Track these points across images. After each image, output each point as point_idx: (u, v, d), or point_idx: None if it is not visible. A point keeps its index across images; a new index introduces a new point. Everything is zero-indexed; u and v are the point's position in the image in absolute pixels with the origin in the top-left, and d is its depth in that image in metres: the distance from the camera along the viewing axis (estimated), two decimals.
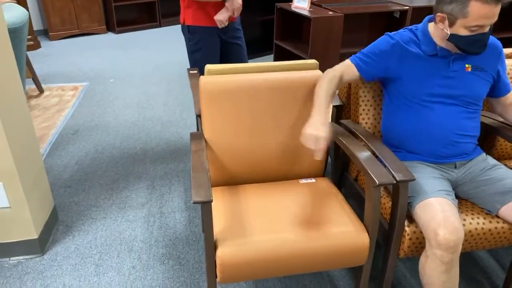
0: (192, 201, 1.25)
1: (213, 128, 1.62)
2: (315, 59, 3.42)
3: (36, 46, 4.99)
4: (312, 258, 1.35)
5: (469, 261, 1.87)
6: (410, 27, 1.54)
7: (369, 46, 1.57)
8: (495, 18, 1.32)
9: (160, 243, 1.97)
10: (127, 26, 5.81)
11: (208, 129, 1.62)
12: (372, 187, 1.32)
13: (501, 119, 1.70)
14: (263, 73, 1.69)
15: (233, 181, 1.68)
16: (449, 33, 1.39)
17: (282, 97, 1.66)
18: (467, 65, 1.48)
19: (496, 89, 1.59)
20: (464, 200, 1.54)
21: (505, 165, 1.80)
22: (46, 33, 5.46)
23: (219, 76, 1.64)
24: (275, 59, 3.99)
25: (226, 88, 1.61)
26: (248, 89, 1.63)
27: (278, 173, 1.71)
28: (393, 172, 1.34)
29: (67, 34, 5.44)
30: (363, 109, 1.73)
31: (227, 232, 1.36)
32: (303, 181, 1.70)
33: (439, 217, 1.27)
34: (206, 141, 1.62)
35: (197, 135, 1.63)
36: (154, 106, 3.45)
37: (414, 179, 1.32)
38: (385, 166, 1.39)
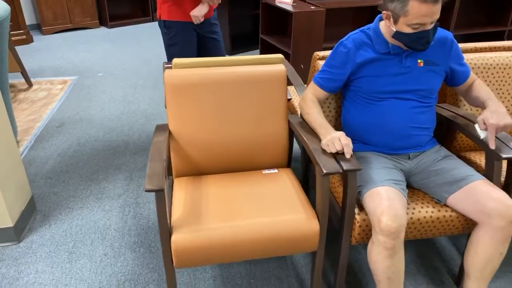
0: (144, 189, 1.31)
1: (178, 120, 1.68)
2: (297, 53, 3.47)
3: (29, 40, 5.05)
4: (264, 244, 1.41)
5: (431, 249, 1.93)
6: (363, 28, 1.59)
7: (326, 59, 1.63)
8: (436, 16, 1.36)
9: (132, 232, 2.03)
10: (120, 20, 5.85)
11: (172, 121, 1.68)
12: (320, 176, 1.38)
13: (460, 112, 1.74)
14: (227, 67, 1.74)
15: (197, 171, 1.74)
16: (394, 30, 1.44)
17: (245, 90, 1.71)
18: (419, 61, 1.53)
19: (454, 79, 1.64)
20: (417, 190, 1.60)
21: (465, 156, 1.86)
22: (39, 27, 5.52)
23: (184, 70, 1.69)
24: (261, 53, 4.03)
25: (189, 81, 1.66)
26: (212, 82, 1.68)
27: (242, 163, 1.76)
28: (341, 162, 1.39)
29: (60, 29, 5.50)
30: (324, 103, 1.78)
31: (184, 220, 1.43)
32: (266, 171, 1.76)
33: (383, 205, 1.33)
34: (171, 133, 1.68)
35: (162, 127, 1.68)
36: (140, 99, 3.51)
37: (360, 169, 1.37)
38: None
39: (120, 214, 2.16)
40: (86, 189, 2.35)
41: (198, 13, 2.31)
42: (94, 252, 1.91)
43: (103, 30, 5.74)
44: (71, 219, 2.12)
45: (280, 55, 1.88)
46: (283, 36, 3.82)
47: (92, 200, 2.27)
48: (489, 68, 1.84)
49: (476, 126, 1.51)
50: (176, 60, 1.79)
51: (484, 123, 1.45)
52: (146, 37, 5.40)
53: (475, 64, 1.83)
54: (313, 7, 3.40)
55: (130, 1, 6.06)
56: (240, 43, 4.71)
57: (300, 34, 3.37)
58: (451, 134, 1.89)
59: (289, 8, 3.41)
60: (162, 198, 1.30)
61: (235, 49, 4.61)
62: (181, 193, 1.58)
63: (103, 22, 5.86)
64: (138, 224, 2.08)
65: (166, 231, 1.36)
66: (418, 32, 1.39)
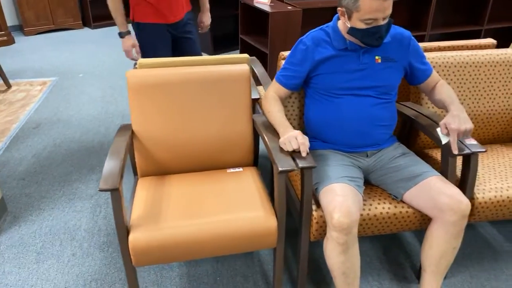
0: (98, 189, 1.32)
1: (141, 120, 1.69)
2: (275, 53, 3.49)
3: (10, 41, 5.03)
4: (222, 242, 1.43)
5: (396, 245, 1.96)
6: (322, 26, 1.62)
7: (287, 57, 1.66)
8: (388, 12, 1.39)
9: (102, 232, 2.04)
10: (104, 21, 5.84)
11: (136, 121, 1.69)
12: (277, 173, 1.40)
13: (423, 111, 1.77)
14: (191, 67, 1.76)
15: (162, 171, 1.76)
16: (349, 26, 1.46)
17: (209, 90, 1.73)
18: (377, 57, 1.56)
19: (414, 77, 1.67)
20: (375, 187, 1.62)
21: (427, 153, 1.89)
22: (21, 28, 5.49)
23: (147, 70, 1.70)
24: (241, 53, 4.05)
25: (152, 81, 1.68)
26: (175, 82, 1.70)
27: (207, 163, 1.78)
28: (297, 160, 1.41)
29: (42, 30, 5.47)
30: (288, 101, 1.80)
31: (143, 218, 1.44)
32: (231, 170, 1.77)
33: (336, 201, 1.35)
34: (134, 133, 1.69)
35: (125, 127, 1.69)
36: (118, 100, 3.51)
37: (314, 166, 1.39)
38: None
39: (91, 214, 2.16)
40: (59, 190, 2.35)
41: (209, 21, 2.58)
42: (63, 252, 1.92)
43: (86, 31, 5.72)
44: (42, 220, 2.12)
45: (245, 55, 1.90)
46: (262, 36, 3.85)
47: (64, 200, 2.27)
48: (450, 67, 1.88)
49: (438, 130, 1.53)
50: (141, 60, 1.81)
51: (446, 128, 1.48)
52: None
53: (436, 62, 1.86)
54: (290, 7, 3.42)
55: None
56: (222, 43, 4.73)
57: (277, 34, 3.39)
58: (414, 132, 1.93)
59: (266, 8, 3.43)
60: (118, 198, 1.31)
61: (217, 49, 4.63)
62: (143, 193, 1.60)
63: (86, 23, 5.84)
64: (108, 224, 2.09)
65: (123, 230, 1.37)
66: (371, 27, 1.41)
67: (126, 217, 1.41)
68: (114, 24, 5.99)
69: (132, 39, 2.35)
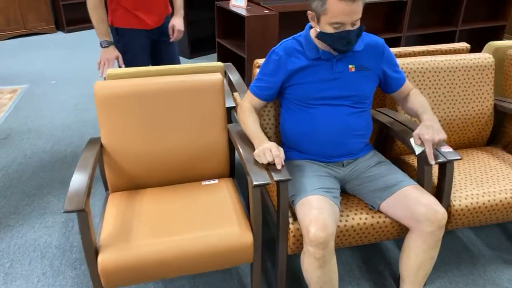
0: (62, 210, 1.26)
1: (110, 133, 1.63)
2: (252, 57, 3.45)
3: None
4: (197, 259, 1.38)
5: (376, 253, 1.95)
6: (295, 35, 1.59)
7: (260, 67, 1.63)
8: (355, 16, 1.37)
9: (74, 248, 1.96)
10: (78, 25, 5.70)
11: (105, 134, 1.63)
12: (251, 187, 1.36)
13: (398, 118, 1.76)
14: (161, 77, 1.70)
15: (134, 185, 1.70)
16: (318, 30, 1.44)
17: (181, 100, 1.68)
18: (350, 66, 1.54)
19: (388, 86, 1.65)
20: (352, 196, 1.60)
21: (404, 160, 1.88)
22: None
23: (115, 81, 1.64)
24: (218, 58, 4.00)
25: (120, 92, 1.62)
26: (145, 93, 1.64)
27: (181, 175, 1.73)
28: (272, 173, 1.38)
29: (13, 35, 5.31)
30: (264, 111, 1.76)
31: (112, 238, 1.38)
32: (206, 182, 1.73)
33: (312, 214, 1.32)
34: (103, 147, 1.63)
35: (94, 141, 1.63)
36: (92, 108, 3.41)
37: (290, 179, 1.36)
38: None
39: (63, 229, 2.08)
40: (29, 205, 2.26)
41: (182, 26, 2.39)
42: (32, 272, 1.84)
43: (59, 35, 5.57)
44: (10, 238, 2.03)
45: (219, 64, 1.86)
46: (239, 40, 3.80)
47: (34, 216, 2.18)
48: (425, 72, 1.87)
49: (412, 140, 1.52)
50: (110, 71, 1.74)
51: (420, 138, 1.47)
52: None
53: (411, 68, 1.86)
54: (266, 11, 3.39)
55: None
56: (199, 47, 4.67)
57: (254, 38, 3.35)
58: (390, 139, 1.91)
59: (242, 12, 3.38)
60: (84, 219, 1.25)
61: (194, 53, 4.57)
62: (114, 209, 1.53)
63: (59, 26, 5.69)
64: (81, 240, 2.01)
65: (92, 251, 1.31)
66: (339, 32, 1.39)
67: (94, 237, 1.34)
68: (89, 28, 5.87)
69: (116, 50, 2.22)
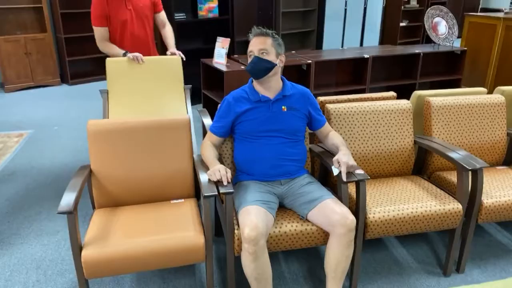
0: (57, 212, 1.67)
1: (98, 161, 2.06)
2: None
3: None
4: (159, 256, 1.76)
5: (319, 265, 2.30)
6: (242, 86, 2.11)
7: (216, 112, 2.13)
8: (260, 46, 1.93)
9: (65, 261, 2.33)
10: (81, 78, 6.30)
11: (94, 161, 2.06)
12: (203, 198, 1.77)
13: (326, 148, 2.21)
14: (140, 117, 2.16)
15: (116, 203, 2.10)
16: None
17: (156, 136, 2.12)
18: (283, 107, 2.01)
19: (312, 124, 2.13)
20: (288, 209, 2.01)
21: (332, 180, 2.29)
22: (2, 86, 5.89)
23: (103, 120, 2.10)
24: (204, 106, 4.52)
25: (108, 129, 2.06)
26: (127, 129, 2.09)
27: (154, 195, 2.14)
28: (220, 187, 1.80)
29: (22, 87, 5.88)
30: (223, 145, 2.20)
31: (94, 239, 1.77)
32: (174, 201, 2.14)
33: (248, 219, 1.73)
34: (92, 172, 2.05)
35: (85, 167, 2.06)
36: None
37: (232, 192, 1.78)
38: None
39: (56, 247, 2.45)
40: (28, 228, 2.64)
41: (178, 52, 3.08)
42: (28, 279, 2.19)
43: (64, 87, 6.16)
44: (11, 253, 2.39)
45: (186, 117, 2.33)
46: (220, 91, 4.34)
47: (32, 236, 2.56)
48: (354, 114, 2.34)
49: (332, 167, 1.96)
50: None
51: (338, 162, 1.91)
52: None
53: (344, 109, 2.32)
54: (243, 67, 3.94)
55: (91, 60, 6.54)
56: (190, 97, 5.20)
57: (231, 89, 3.87)
58: (322, 166, 2.34)
59: (222, 68, 3.94)
60: (73, 219, 1.66)
61: None
62: (97, 219, 1.94)
63: (64, 79, 6.30)
64: (71, 254, 2.38)
65: (77, 247, 1.70)
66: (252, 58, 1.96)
67: (80, 238, 1.74)
68: (90, 81, 6.46)
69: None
